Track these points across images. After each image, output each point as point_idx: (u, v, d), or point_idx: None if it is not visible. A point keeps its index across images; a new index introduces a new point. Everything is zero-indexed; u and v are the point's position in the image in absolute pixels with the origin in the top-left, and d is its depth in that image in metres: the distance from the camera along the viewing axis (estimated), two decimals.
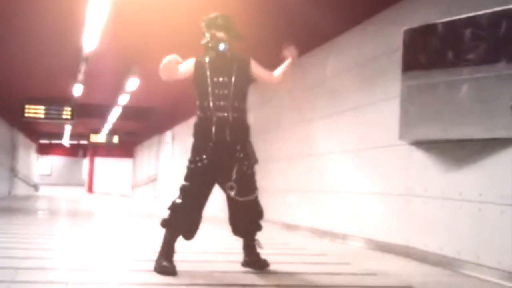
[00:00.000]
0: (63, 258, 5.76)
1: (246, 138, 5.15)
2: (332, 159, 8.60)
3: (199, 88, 5.08)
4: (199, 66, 5.09)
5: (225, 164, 5.01)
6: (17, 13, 9.14)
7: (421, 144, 6.26)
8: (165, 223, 5.02)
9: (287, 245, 7.51)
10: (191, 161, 5.05)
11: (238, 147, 5.05)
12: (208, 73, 5.04)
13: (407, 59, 6.26)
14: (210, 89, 5.01)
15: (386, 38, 7.13)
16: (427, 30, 5.98)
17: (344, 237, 8.03)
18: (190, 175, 5.03)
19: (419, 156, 6.31)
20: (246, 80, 5.20)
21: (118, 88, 15.44)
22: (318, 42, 9.15)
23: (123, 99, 17.00)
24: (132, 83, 14.17)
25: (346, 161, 8.15)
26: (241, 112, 5.10)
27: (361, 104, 7.74)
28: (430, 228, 6.15)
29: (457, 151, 5.71)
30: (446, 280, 5.32)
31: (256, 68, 5.26)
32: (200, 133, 5.09)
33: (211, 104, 5.00)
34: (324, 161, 8.88)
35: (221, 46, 5.06)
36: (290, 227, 9.78)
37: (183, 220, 4.99)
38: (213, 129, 4.98)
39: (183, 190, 5.02)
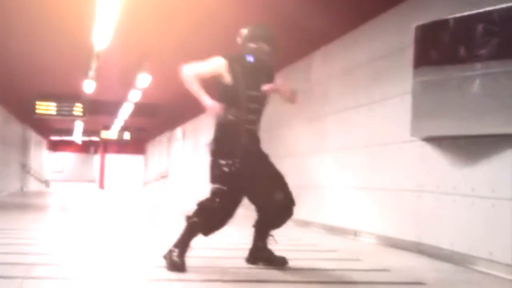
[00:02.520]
0: (75, 253, 5.79)
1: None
2: (344, 155, 8.59)
3: (231, 94, 4.98)
4: (232, 70, 4.98)
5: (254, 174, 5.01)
6: (28, 10, 9.17)
7: (432, 140, 6.24)
8: (192, 224, 4.89)
9: (299, 241, 7.51)
10: (225, 165, 4.91)
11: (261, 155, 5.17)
12: (243, 83, 4.97)
13: (418, 55, 6.24)
14: (243, 100, 4.97)
15: (397, 34, 7.11)
16: (439, 25, 5.95)
17: (355, 233, 8.03)
18: (227, 178, 4.90)
19: (430, 152, 6.29)
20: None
21: (129, 85, 15.46)
22: (328, 40, 9.13)
23: (134, 96, 17.01)
24: (143, 80, 14.18)
25: (358, 157, 8.13)
26: (259, 125, 5.17)
27: (373, 100, 7.72)
28: (441, 224, 6.14)
29: (469, 147, 5.69)
30: (458, 276, 5.31)
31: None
32: (232, 136, 5.00)
33: (243, 114, 4.97)
34: (336, 157, 8.87)
35: (250, 58, 5.02)
36: (302, 223, 9.77)
37: (213, 223, 4.92)
38: (244, 138, 4.98)
39: (219, 194, 4.88)
